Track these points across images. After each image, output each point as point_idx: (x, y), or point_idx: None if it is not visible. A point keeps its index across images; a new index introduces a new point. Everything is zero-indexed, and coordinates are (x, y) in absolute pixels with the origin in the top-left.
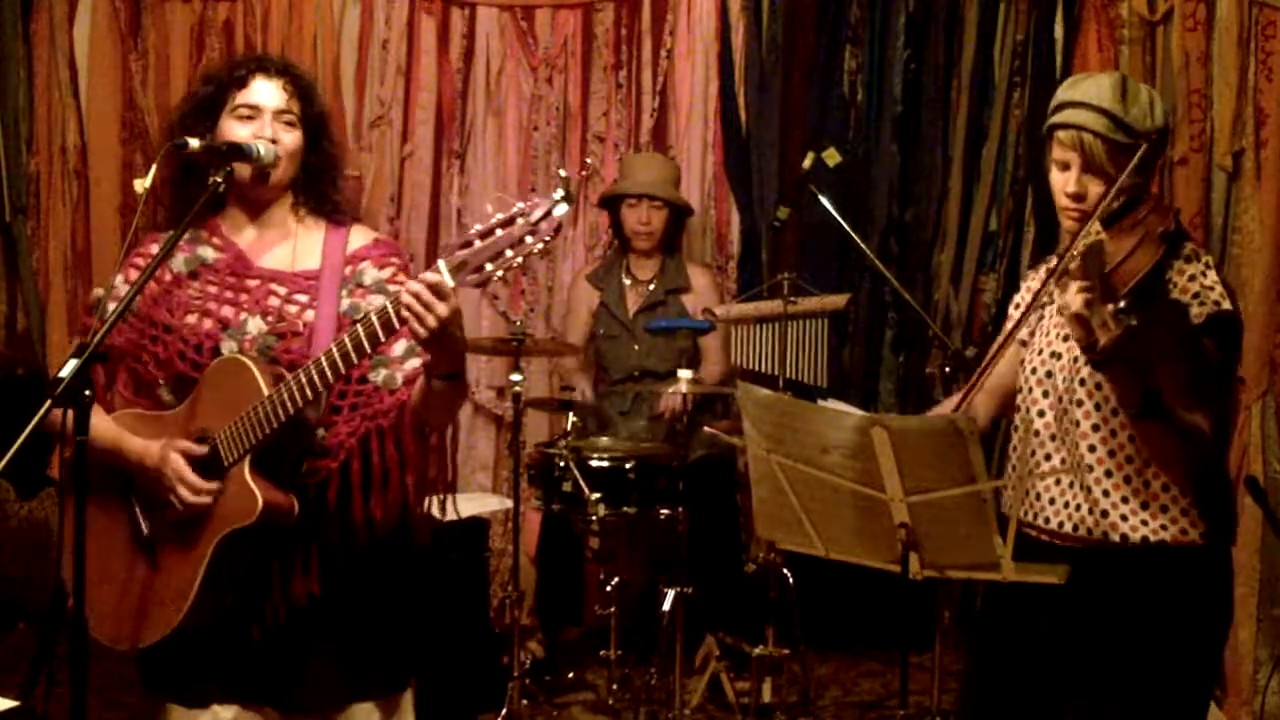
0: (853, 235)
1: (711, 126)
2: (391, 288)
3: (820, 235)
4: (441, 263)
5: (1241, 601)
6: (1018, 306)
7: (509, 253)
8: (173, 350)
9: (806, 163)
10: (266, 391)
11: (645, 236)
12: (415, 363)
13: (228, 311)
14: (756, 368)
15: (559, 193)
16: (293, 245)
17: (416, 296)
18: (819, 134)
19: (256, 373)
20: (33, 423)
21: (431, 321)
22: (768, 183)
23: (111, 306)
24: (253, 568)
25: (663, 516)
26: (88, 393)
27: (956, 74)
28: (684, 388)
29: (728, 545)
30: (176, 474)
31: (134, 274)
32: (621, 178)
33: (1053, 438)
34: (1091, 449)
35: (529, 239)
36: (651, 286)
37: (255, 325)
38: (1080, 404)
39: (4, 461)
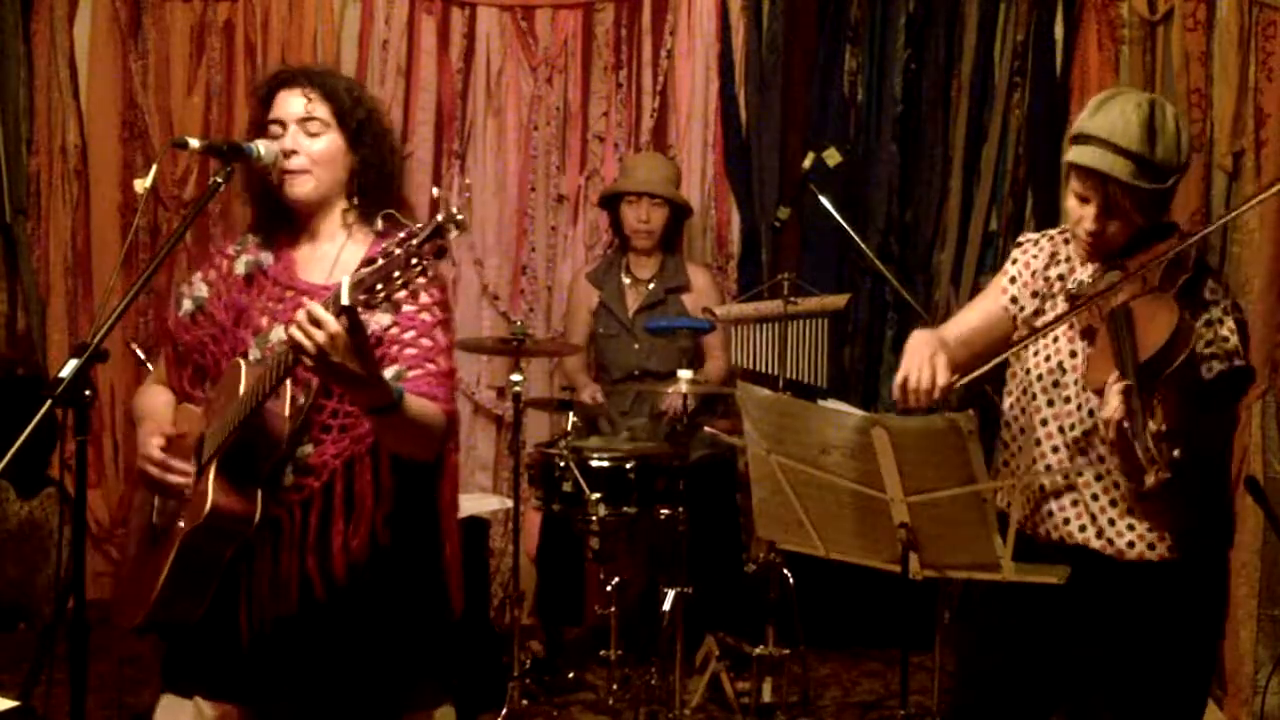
0: (853, 235)
1: (711, 126)
2: (407, 308)
3: (820, 235)
4: (345, 279)
5: (1241, 601)
6: (1014, 281)
7: (396, 274)
8: (220, 352)
9: (806, 163)
10: (241, 394)
11: (645, 235)
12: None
13: (264, 321)
14: (756, 368)
15: (440, 215)
16: (335, 259)
17: (299, 323)
18: (819, 134)
19: (242, 374)
20: (33, 423)
21: (309, 347)
22: (768, 183)
23: (186, 304)
24: (233, 572)
25: (663, 516)
26: (88, 393)
27: (956, 74)
28: (684, 388)
29: (728, 545)
30: (144, 451)
31: (212, 274)
32: (621, 176)
33: (1054, 450)
34: (1098, 477)
35: (413, 262)
36: (651, 286)
37: (278, 335)
38: (1086, 434)
39: (4, 462)
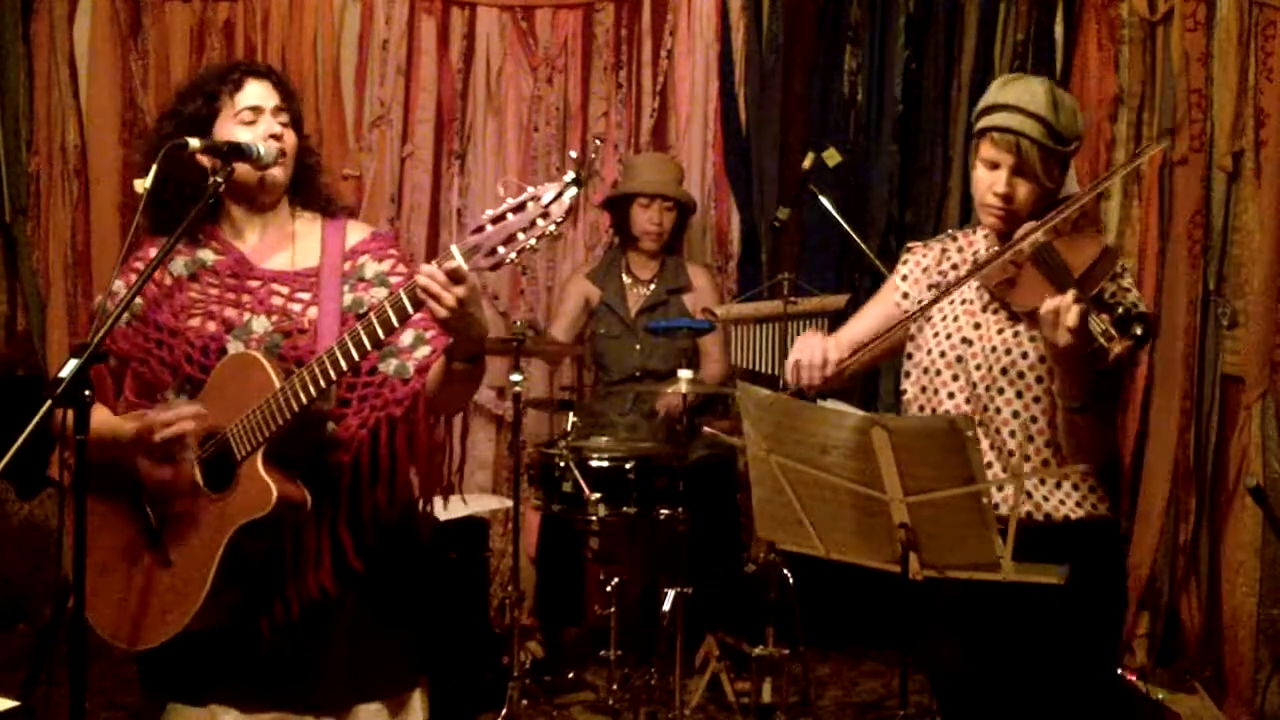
0: (853, 235)
1: (711, 126)
2: (393, 279)
3: (820, 235)
4: (454, 248)
5: (1241, 601)
6: (905, 279)
7: (521, 236)
8: (179, 354)
9: (806, 163)
10: (278, 385)
11: (655, 237)
12: (425, 351)
13: (231, 313)
14: (756, 368)
15: (569, 175)
16: (292, 245)
17: (432, 278)
18: (819, 134)
19: (268, 367)
20: (33, 423)
21: (450, 301)
22: (768, 183)
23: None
24: (265, 563)
25: (663, 516)
26: (88, 393)
27: (956, 74)
28: (684, 388)
29: (728, 545)
30: (157, 419)
31: (133, 278)
32: (629, 178)
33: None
34: (1012, 434)
35: (540, 221)
36: (652, 286)
37: (260, 325)
38: (1001, 391)
39: (4, 462)
